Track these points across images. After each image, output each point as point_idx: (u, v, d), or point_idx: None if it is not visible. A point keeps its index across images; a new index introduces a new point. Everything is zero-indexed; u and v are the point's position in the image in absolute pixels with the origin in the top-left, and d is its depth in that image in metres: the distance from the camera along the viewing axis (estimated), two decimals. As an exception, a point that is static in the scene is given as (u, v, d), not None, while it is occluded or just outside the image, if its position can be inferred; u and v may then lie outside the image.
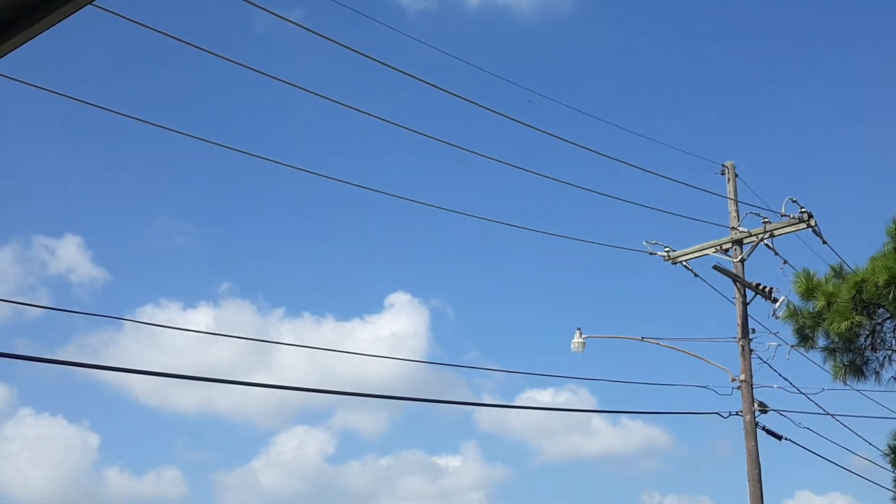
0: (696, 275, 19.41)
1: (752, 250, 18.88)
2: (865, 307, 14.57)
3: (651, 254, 19.61)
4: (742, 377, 18.60)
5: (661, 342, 20.25)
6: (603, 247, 19.39)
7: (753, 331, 18.84)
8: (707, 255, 19.28)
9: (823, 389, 19.19)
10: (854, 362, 16.06)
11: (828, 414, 20.12)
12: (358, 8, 13.43)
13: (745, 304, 18.75)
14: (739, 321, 18.80)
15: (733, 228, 19.14)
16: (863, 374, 16.22)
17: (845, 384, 16.53)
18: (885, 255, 14.37)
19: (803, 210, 18.08)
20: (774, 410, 19.02)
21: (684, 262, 19.53)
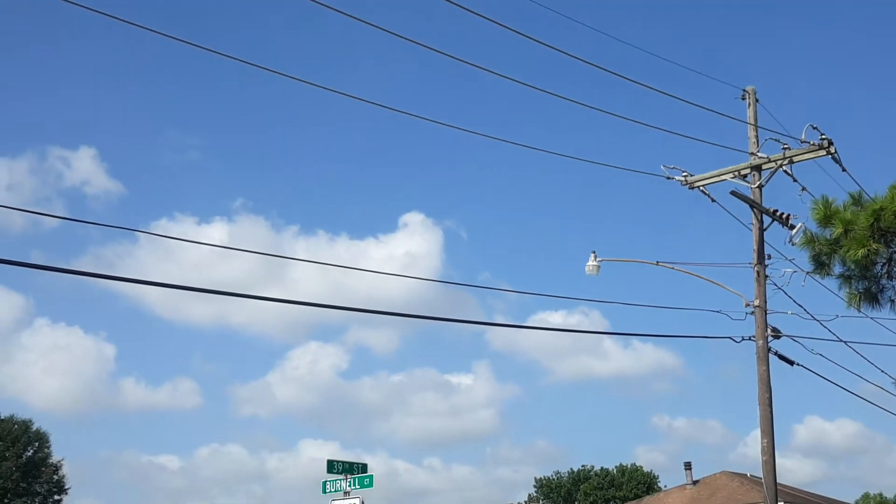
0: (713, 200, 19.33)
1: (771, 176, 18.74)
2: (883, 235, 14.48)
3: (669, 178, 19.51)
4: (756, 302, 18.64)
5: (675, 266, 20.26)
6: (621, 170, 19.27)
7: (769, 257, 18.82)
8: (725, 180, 19.16)
9: (837, 316, 19.25)
10: (869, 290, 16.05)
11: (841, 341, 20.23)
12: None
13: (761, 230, 18.69)
14: (755, 247, 18.76)
15: (752, 154, 18.97)
16: (877, 301, 16.22)
17: (859, 311, 16.55)
18: (904, 182, 14.24)
19: (823, 137, 17.87)
20: (787, 336, 19.10)
21: (702, 188, 19.42)
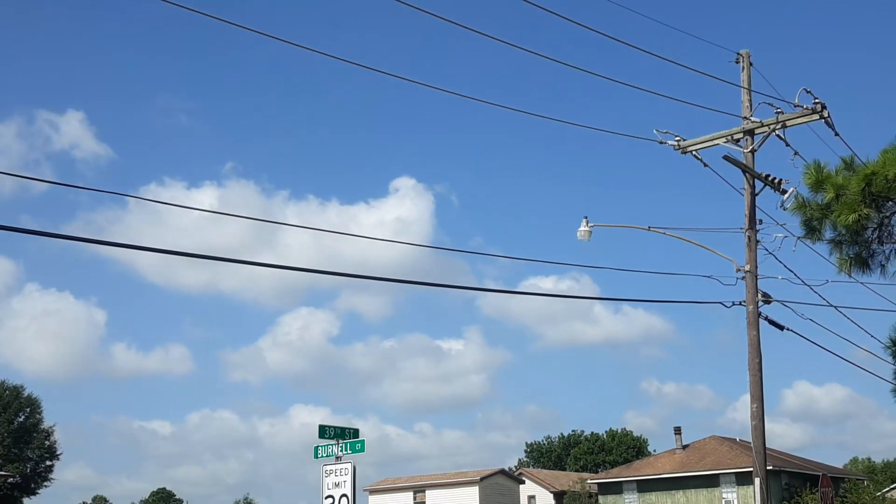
0: (705, 165, 19.30)
1: (764, 141, 18.70)
2: (874, 200, 14.46)
3: (661, 143, 19.45)
4: (747, 267, 18.67)
5: (667, 232, 20.27)
6: (613, 135, 19.19)
7: (761, 222, 18.85)
8: (718, 144, 19.11)
9: (828, 281, 19.32)
10: (860, 255, 16.05)
11: (831, 305, 20.31)
12: None
13: (753, 195, 18.68)
14: (747, 212, 18.77)
15: (745, 118, 18.91)
16: (868, 266, 16.23)
17: (850, 276, 16.57)
18: (896, 147, 14.19)
19: (817, 101, 17.81)
20: (778, 301, 19.17)
21: (694, 152, 19.38)
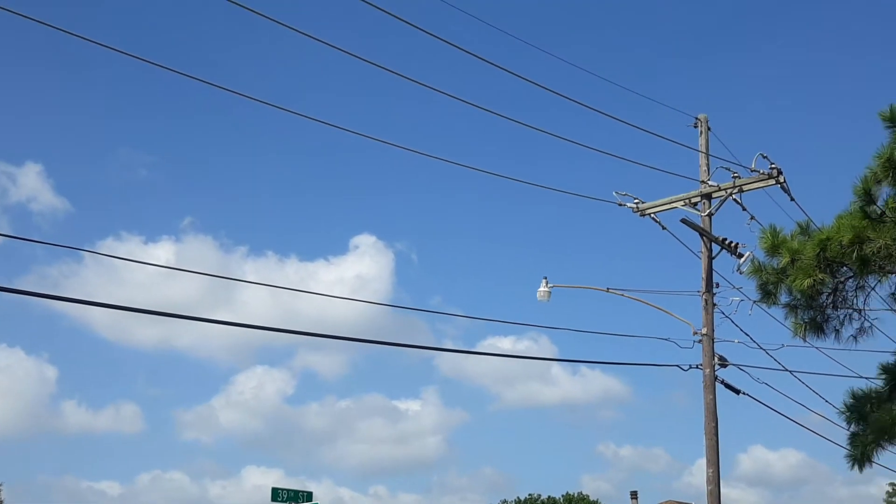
0: (663, 227, 19.44)
1: (721, 205, 18.89)
2: (829, 265, 14.58)
3: (621, 205, 19.58)
4: (704, 331, 18.72)
5: (625, 293, 20.32)
6: (573, 196, 19.30)
7: (717, 285, 18.96)
8: (676, 207, 19.28)
9: (783, 346, 19.41)
10: (815, 319, 16.13)
11: (786, 370, 20.38)
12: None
13: (710, 259, 18.81)
14: (704, 275, 18.87)
15: (703, 182, 19.12)
16: (823, 331, 16.31)
17: (805, 341, 16.65)
18: (850, 213, 14.34)
19: (773, 166, 18.08)
20: (734, 365, 19.22)
21: (653, 215, 19.52)
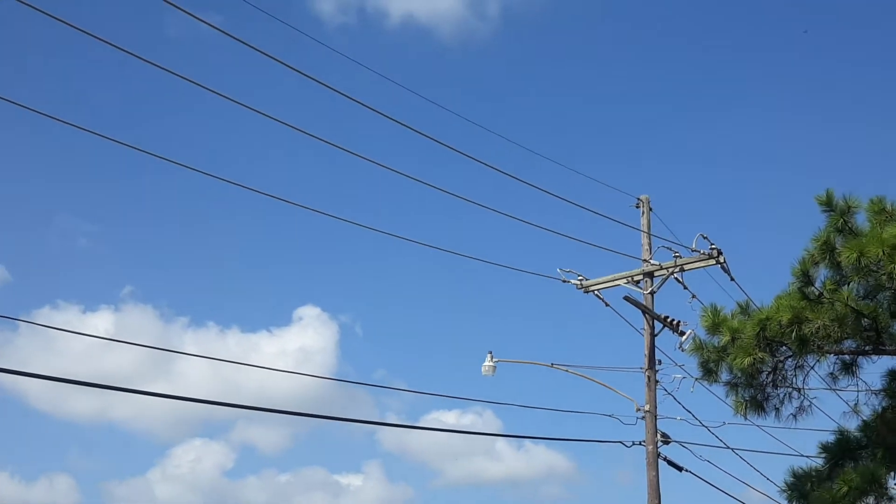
0: (607, 304, 19.65)
1: (663, 283, 19.17)
2: (769, 344, 14.80)
3: (565, 281, 19.77)
4: (647, 407, 18.83)
5: (569, 369, 20.37)
6: (517, 272, 19.43)
7: (660, 362, 19.15)
8: (619, 285, 19.52)
9: (725, 423, 19.58)
10: (755, 398, 16.29)
11: (728, 448, 20.52)
12: (276, 18, 13.28)
13: (653, 336, 19.02)
14: (647, 352, 19.05)
15: (645, 261, 19.41)
16: (763, 409, 16.46)
17: (746, 419, 16.79)
18: (789, 294, 14.63)
19: (713, 246, 18.46)
20: (677, 442, 19.31)
21: (596, 292, 19.72)
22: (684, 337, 17.91)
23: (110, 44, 9.58)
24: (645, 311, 18.85)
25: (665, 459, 18.85)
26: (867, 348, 14.89)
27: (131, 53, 9.87)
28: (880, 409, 15.46)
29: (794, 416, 16.43)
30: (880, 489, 14.69)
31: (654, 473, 18.48)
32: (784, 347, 15.07)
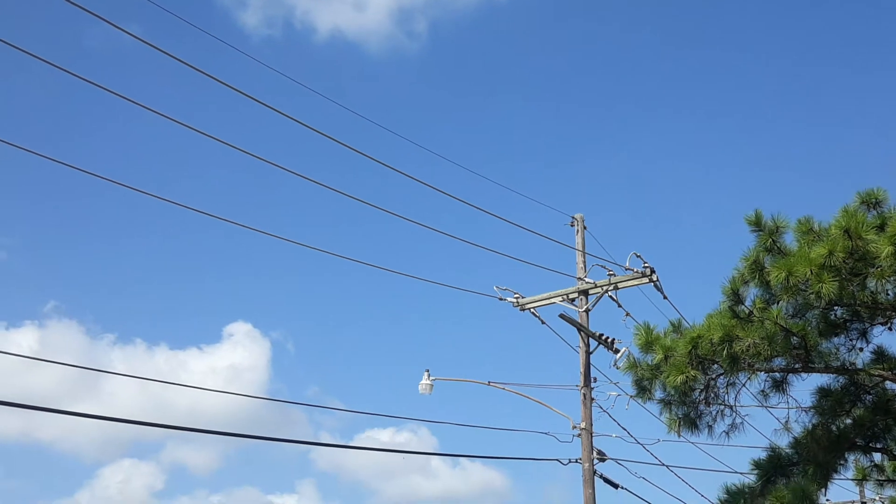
0: (543, 322, 19.68)
1: (597, 301, 19.27)
2: (701, 362, 14.90)
3: (501, 299, 19.78)
4: (583, 425, 18.86)
5: (506, 387, 20.37)
6: (453, 290, 19.39)
7: (595, 380, 19.22)
8: (554, 303, 19.56)
9: (659, 440, 19.73)
10: (689, 415, 16.40)
11: (663, 465, 20.66)
12: (198, 29, 13.07)
13: (588, 353, 19.09)
14: (582, 370, 19.11)
15: (580, 279, 19.50)
16: (696, 426, 16.58)
17: (679, 436, 16.90)
18: (720, 313, 14.78)
19: (646, 265, 18.61)
20: (612, 459, 19.38)
21: (532, 310, 19.75)
22: (619, 355, 18.02)
23: (31, 54, 9.33)
24: (580, 328, 18.92)
25: (601, 477, 18.91)
26: (797, 366, 15.09)
27: (52, 64, 9.63)
28: (811, 426, 15.65)
29: (727, 433, 16.58)
30: (811, 505, 14.85)
31: (590, 491, 18.51)
32: (716, 365, 15.19)
